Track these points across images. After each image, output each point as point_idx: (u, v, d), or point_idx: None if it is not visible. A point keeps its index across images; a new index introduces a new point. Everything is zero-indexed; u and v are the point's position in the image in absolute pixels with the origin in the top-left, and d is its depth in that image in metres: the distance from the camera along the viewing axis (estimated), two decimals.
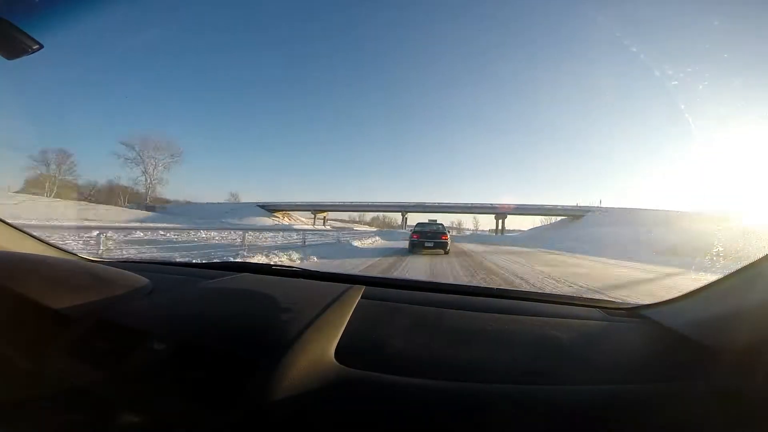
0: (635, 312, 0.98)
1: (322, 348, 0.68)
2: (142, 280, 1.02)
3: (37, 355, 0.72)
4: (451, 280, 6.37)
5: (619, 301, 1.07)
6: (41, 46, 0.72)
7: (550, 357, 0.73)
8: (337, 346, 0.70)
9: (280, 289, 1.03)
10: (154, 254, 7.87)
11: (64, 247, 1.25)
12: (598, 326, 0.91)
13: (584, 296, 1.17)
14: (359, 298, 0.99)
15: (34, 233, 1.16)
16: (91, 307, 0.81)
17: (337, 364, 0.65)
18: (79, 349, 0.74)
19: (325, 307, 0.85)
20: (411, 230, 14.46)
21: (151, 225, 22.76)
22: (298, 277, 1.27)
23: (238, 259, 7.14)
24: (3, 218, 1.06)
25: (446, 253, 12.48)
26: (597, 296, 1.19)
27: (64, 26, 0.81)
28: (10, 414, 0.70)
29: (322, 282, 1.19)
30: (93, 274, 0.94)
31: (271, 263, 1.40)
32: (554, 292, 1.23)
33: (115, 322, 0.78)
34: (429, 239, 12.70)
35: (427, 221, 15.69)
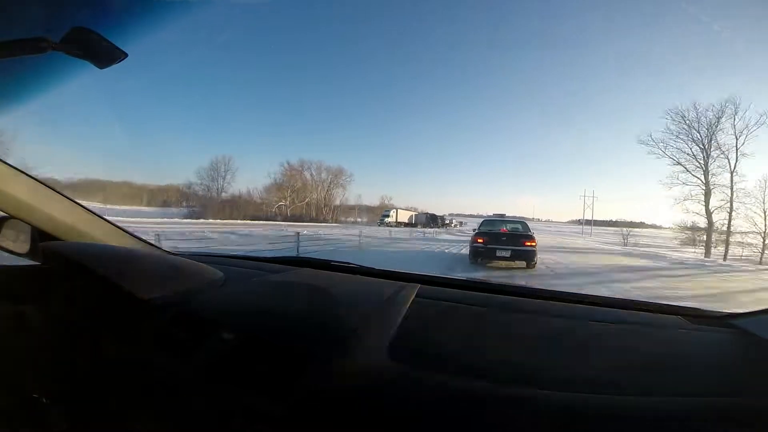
0: (725, 321, 0.91)
1: (376, 345, 0.68)
2: (217, 272, 1.09)
3: (123, 341, 0.80)
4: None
5: (705, 309, 0.99)
6: (126, 55, 0.79)
7: (626, 366, 0.69)
8: (390, 344, 0.70)
9: (338, 285, 1.06)
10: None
11: (152, 241, 1.39)
12: (682, 335, 0.85)
13: (664, 303, 1.06)
14: (414, 296, 0.97)
15: (128, 229, 1.30)
16: (172, 297, 0.87)
17: (390, 361, 0.65)
18: (159, 336, 0.79)
19: (380, 304, 0.85)
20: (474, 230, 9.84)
21: None
22: (355, 274, 1.28)
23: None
24: (101, 215, 1.21)
25: (530, 266, 8.15)
26: (679, 303, 1.03)
27: (144, 35, 0.88)
28: (87, 393, 0.77)
29: (378, 279, 1.19)
30: (175, 266, 1.03)
31: (331, 260, 1.41)
32: (632, 298, 1.07)
33: (192, 312, 0.83)
34: (503, 245, 8.12)
35: (496, 217, 10.67)
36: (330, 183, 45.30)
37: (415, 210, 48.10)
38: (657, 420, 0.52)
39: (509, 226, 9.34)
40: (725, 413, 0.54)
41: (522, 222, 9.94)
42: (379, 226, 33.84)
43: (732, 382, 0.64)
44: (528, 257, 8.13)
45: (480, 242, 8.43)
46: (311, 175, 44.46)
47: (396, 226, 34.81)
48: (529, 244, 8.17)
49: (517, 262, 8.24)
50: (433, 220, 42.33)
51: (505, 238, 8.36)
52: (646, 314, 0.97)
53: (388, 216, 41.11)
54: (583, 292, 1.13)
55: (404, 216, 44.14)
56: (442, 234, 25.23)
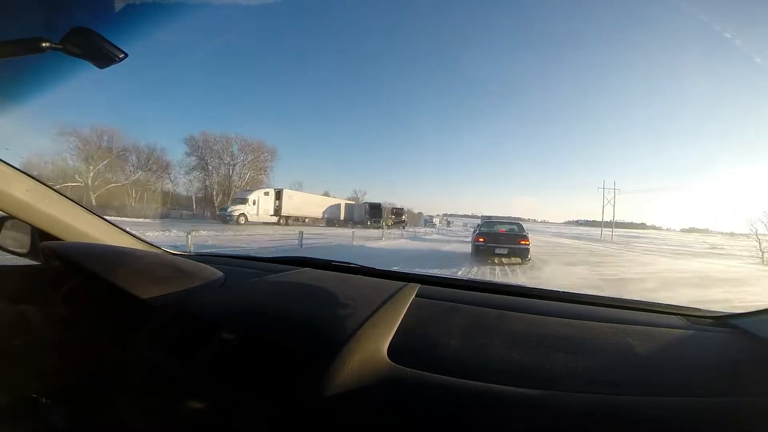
0: (724, 321, 0.90)
1: (376, 345, 0.68)
2: (216, 272, 1.09)
3: (123, 341, 0.80)
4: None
5: (703, 309, 0.98)
6: (126, 55, 0.79)
7: (626, 366, 0.68)
8: (390, 344, 0.70)
9: (339, 285, 1.05)
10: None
11: (151, 240, 1.39)
12: (680, 335, 0.84)
13: (663, 302, 1.05)
14: (414, 296, 0.97)
15: (126, 228, 1.30)
16: (172, 298, 0.87)
17: (390, 362, 0.64)
18: (159, 336, 0.79)
19: (380, 304, 0.85)
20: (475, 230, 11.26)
21: None
22: (355, 274, 1.28)
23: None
24: (100, 215, 1.21)
25: (524, 262, 9.37)
26: (678, 303, 1.03)
27: (144, 35, 0.88)
28: (87, 393, 0.77)
29: (379, 279, 1.19)
30: (175, 266, 1.02)
31: (331, 260, 1.41)
32: (630, 298, 1.06)
33: (192, 312, 0.83)
34: (501, 244, 9.48)
35: (495, 219, 12.30)
36: (233, 163, 28.22)
37: (334, 197, 29.64)
38: (657, 420, 0.52)
39: (506, 227, 10.74)
40: (725, 413, 0.54)
41: (518, 223, 11.30)
42: (225, 223, 19.58)
43: (732, 382, 0.64)
44: (522, 254, 9.44)
45: (481, 241, 9.77)
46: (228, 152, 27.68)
47: (280, 223, 21.57)
48: (523, 242, 9.52)
49: (514, 258, 9.48)
50: (372, 214, 26.93)
51: (503, 238, 9.76)
52: (646, 314, 0.97)
53: (244, 202, 21.61)
54: (584, 292, 1.13)
55: (301, 205, 24.42)
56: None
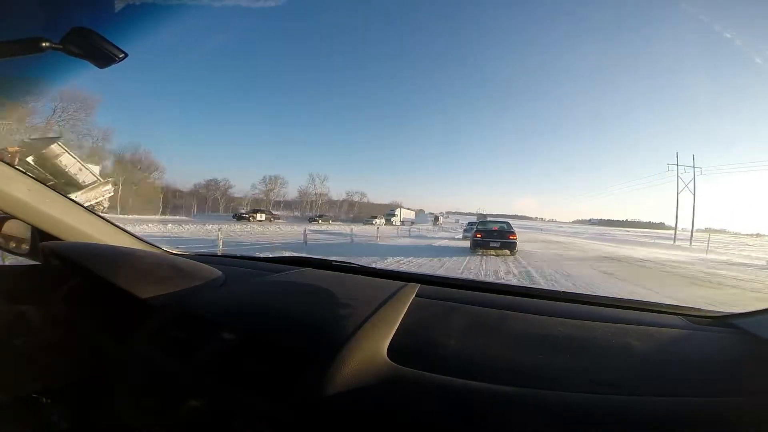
0: (724, 321, 0.89)
1: (376, 345, 0.68)
2: (216, 272, 1.09)
3: (123, 341, 0.80)
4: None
5: (704, 308, 0.98)
6: (126, 55, 0.79)
7: (626, 366, 0.67)
8: (390, 344, 0.70)
9: (339, 285, 1.05)
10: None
11: (152, 241, 1.39)
12: (681, 335, 0.84)
13: (663, 302, 1.05)
14: (414, 296, 0.97)
15: (127, 228, 1.30)
16: (172, 297, 0.87)
17: (390, 362, 0.64)
18: (159, 336, 0.79)
19: (380, 304, 0.85)
20: (469, 227, 13.63)
21: None
22: (356, 274, 1.28)
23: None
24: (101, 215, 1.21)
25: (513, 254, 11.47)
26: (679, 303, 1.02)
27: (144, 35, 0.88)
28: (87, 393, 0.77)
29: (379, 279, 1.19)
30: (175, 266, 1.02)
31: (332, 259, 1.41)
32: (630, 298, 1.07)
33: (192, 311, 0.83)
34: (494, 239, 11.90)
35: (489, 219, 15.25)
36: None
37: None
38: (657, 420, 0.52)
39: (498, 225, 13.26)
40: (725, 413, 0.54)
41: (507, 222, 13.81)
42: None
43: (732, 382, 0.64)
44: (511, 247, 11.75)
45: (478, 236, 12.22)
46: None
47: None
48: (511, 237, 11.94)
49: (504, 250, 11.71)
50: None
51: (496, 234, 12.30)
52: (646, 314, 0.96)
53: None
54: (584, 292, 1.13)
55: None
56: None
